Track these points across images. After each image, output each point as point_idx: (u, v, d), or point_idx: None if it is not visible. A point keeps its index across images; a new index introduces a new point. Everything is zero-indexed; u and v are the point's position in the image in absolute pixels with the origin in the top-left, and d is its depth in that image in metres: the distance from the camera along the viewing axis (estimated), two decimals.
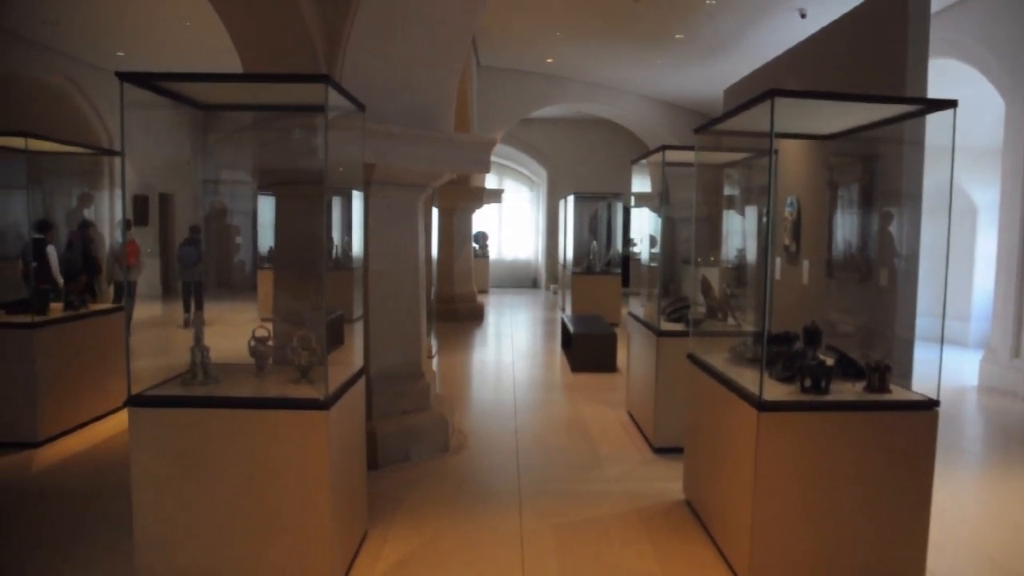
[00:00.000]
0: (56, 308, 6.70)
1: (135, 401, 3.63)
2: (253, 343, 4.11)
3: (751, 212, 7.57)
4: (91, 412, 6.75)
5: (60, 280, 8.93)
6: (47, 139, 6.42)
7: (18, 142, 6.29)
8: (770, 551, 3.78)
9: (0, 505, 4.91)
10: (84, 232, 9.80)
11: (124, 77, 3.61)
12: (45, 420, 6.10)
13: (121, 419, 6.87)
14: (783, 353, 4.29)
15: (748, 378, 4.14)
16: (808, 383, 3.93)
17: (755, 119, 4.11)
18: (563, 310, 15.47)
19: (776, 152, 3.91)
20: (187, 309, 12.69)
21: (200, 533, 3.61)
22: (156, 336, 11.55)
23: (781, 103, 3.72)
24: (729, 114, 4.33)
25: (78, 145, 7.34)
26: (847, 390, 4.00)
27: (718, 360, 4.71)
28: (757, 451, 3.72)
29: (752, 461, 3.75)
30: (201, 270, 12.42)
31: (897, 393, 3.96)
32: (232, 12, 5.53)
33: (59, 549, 4.25)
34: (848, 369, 4.21)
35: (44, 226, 8.45)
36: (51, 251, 8.50)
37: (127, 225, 12.32)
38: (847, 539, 3.79)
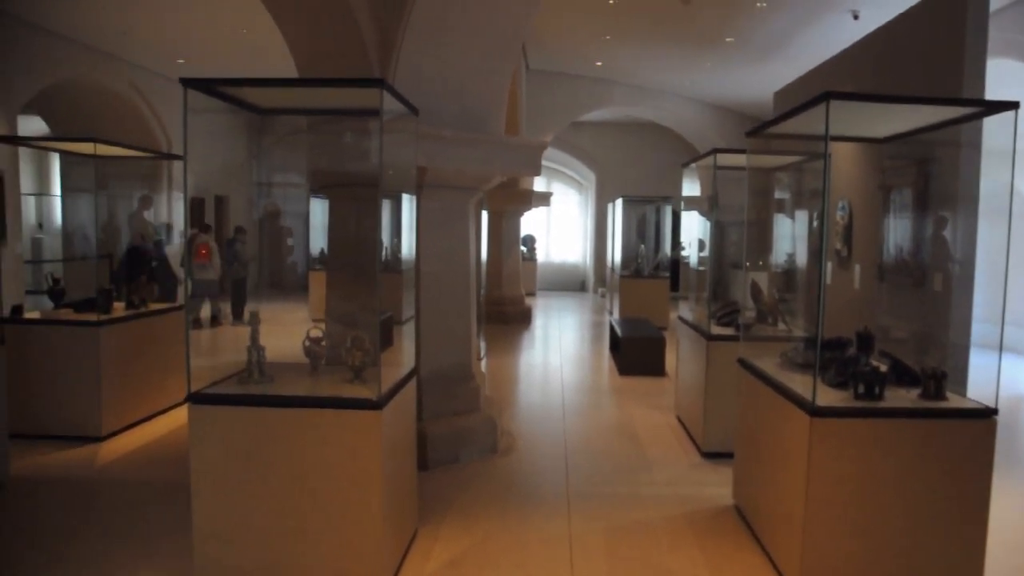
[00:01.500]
0: (118, 308, 6.91)
1: (195, 398, 3.72)
2: (307, 343, 4.19)
3: (801, 216, 7.48)
4: (150, 408, 6.95)
5: (180, 275, 9.40)
6: (115, 144, 6.63)
7: (88, 147, 6.52)
8: (822, 559, 3.74)
9: (67, 496, 5.10)
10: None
11: (188, 83, 3.72)
12: (108, 415, 6.30)
13: (178, 415, 7.06)
14: (836, 359, 4.24)
15: (800, 384, 4.10)
16: (862, 389, 3.87)
17: (808, 122, 4.07)
18: (611, 313, 15.42)
19: (829, 155, 3.87)
20: (232, 308, 13.00)
21: (255, 528, 3.69)
22: (212, 335, 11.82)
23: (836, 106, 3.68)
24: (782, 117, 4.30)
25: (142, 150, 7.56)
26: (902, 397, 3.93)
27: (769, 365, 4.67)
28: (809, 457, 3.68)
29: (804, 467, 3.71)
30: (240, 269, 12.65)
31: (953, 401, 3.88)
32: (288, 18, 5.65)
33: (121, 538, 4.39)
34: (902, 376, 4.14)
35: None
36: (168, 252, 8.89)
37: (204, 228, 12.64)
38: (902, 549, 3.73)
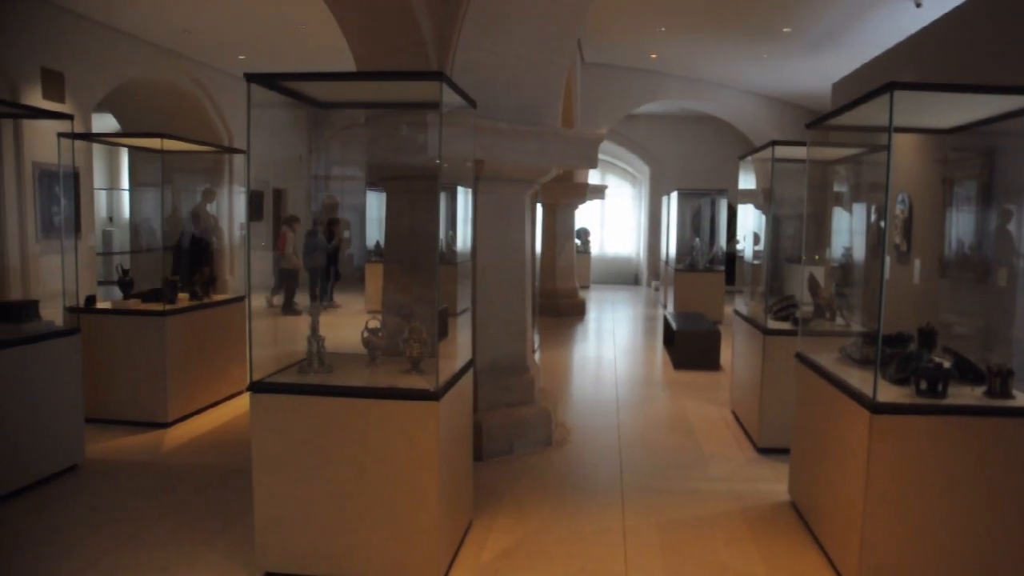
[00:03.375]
0: (183, 298, 7.12)
1: (256, 387, 3.81)
2: (366, 334, 4.26)
3: (859, 209, 7.34)
4: (213, 396, 7.14)
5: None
6: (180, 139, 6.82)
7: (155, 143, 6.72)
8: (881, 559, 3.68)
9: (137, 478, 5.28)
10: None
11: (251, 78, 3.80)
12: (174, 402, 6.50)
13: (239, 403, 7.24)
14: (897, 354, 4.15)
15: (859, 379, 4.03)
16: (924, 386, 3.80)
17: (870, 113, 3.99)
18: (665, 307, 15.31)
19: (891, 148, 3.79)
20: (312, 298, 13.19)
21: (314, 515, 3.77)
22: (271, 325, 12.04)
23: (900, 96, 3.60)
24: (844, 108, 4.22)
25: (206, 144, 7.76)
26: (966, 394, 3.84)
27: (827, 360, 4.60)
28: (870, 454, 3.63)
29: (864, 465, 3.65)
30: (319, 259, 12.83)
31: (1020, 399, 3.78)
32: (346, 13, 5.73)
33: (187, 521, 4.53)
34: (966, 373, 4.04)
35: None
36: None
37: (289, 221, 12.93)
38: (965, 549, 3.65)
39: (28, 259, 9.31)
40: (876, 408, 3.63)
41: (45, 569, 3.94)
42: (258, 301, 13.06)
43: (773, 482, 5.34)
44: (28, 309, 5.24)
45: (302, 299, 12.50)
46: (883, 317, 3.77)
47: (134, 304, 6.77)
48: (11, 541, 4.27)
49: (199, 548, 4.18)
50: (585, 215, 20.94)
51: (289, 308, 12.51)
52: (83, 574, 3.88)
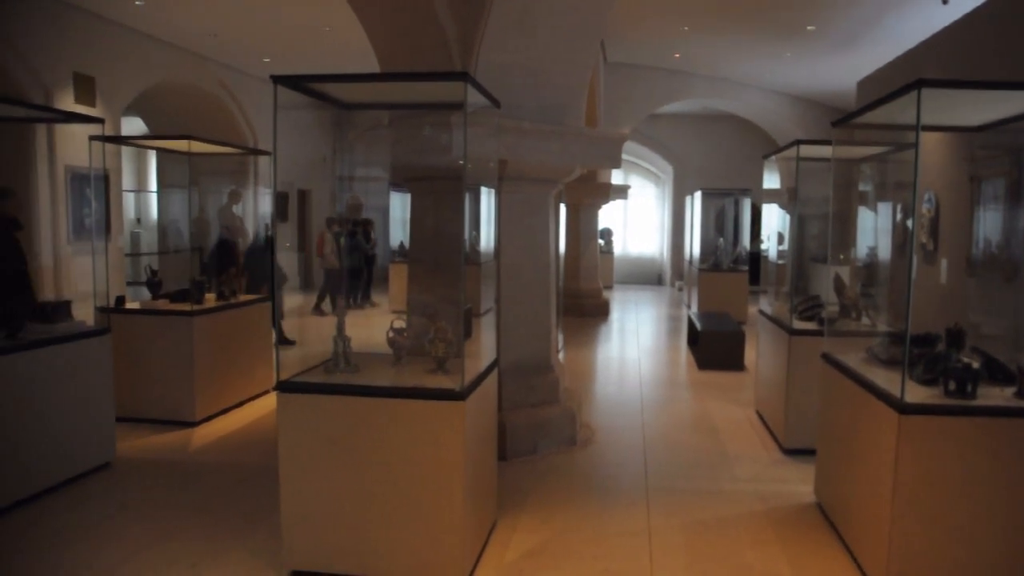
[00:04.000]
0: (210, 298, 7.20)
1: (283, 386, 3.84)
2: (391, 334, 4.29)
3: (884, 208, 7.27)
4: (239, 395, 7.22)
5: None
6: (207, 141, 6.90)
7: (183, 145, 6.80)
8: (909, 561, 3.64)
9: (166, 476, 5.36)
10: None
11: (278, 80, 3.84)
12: (201, 401, 6.57)
13: (265, 403, 7.31)
14: (924, 355, 4.11)
15: (886, 380, 3.99)
16: (953, 386, 3.76)
17: (896, 111, 3.95)
18: (689, 307, 15.25)
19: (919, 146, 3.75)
20: (352, 300, 13.26)
21: (341, 514, 3.80)
22: (298, 325, 12.13)
23: (928, 94, 3.56)
24: (870, 106, 4.18)
25: (233, 146, 7.85)
26: (995, 395, 3.79)
27: (853, 360, 4.57)
28: (897, 456, 3.59)
29: (892, 466, 3.62)
30: (359, 260, 12.89)
31: None
32: (371, 14, 5.77)
33: (215, 518, 4.59)
34: (996, 373, 3.99)
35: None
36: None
37: (329, 223, 13.04)
38: (994, 552, 3.60)
39: (60, 260, 9.47)
40: (904, 409, 3.59)
41: (79, 564, 4.00)
42: (294, 301, 13.19)
43: (799, 483, 5.31)
44: (61, 309, 5.33)
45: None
46: (910, 317, 3.74)
47: (162, 304, 6.85)
48: (46, 537, 4.35)
49: (228, 545, 4.23)
50: (608, 215, 20.88)
51: (319, 309, 12.57)
52: (116, 570, 3.94)
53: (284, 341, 8.68)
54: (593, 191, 14.89)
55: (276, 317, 7.99)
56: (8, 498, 4.65)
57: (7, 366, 4.67)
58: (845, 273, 6.52)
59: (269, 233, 10.48)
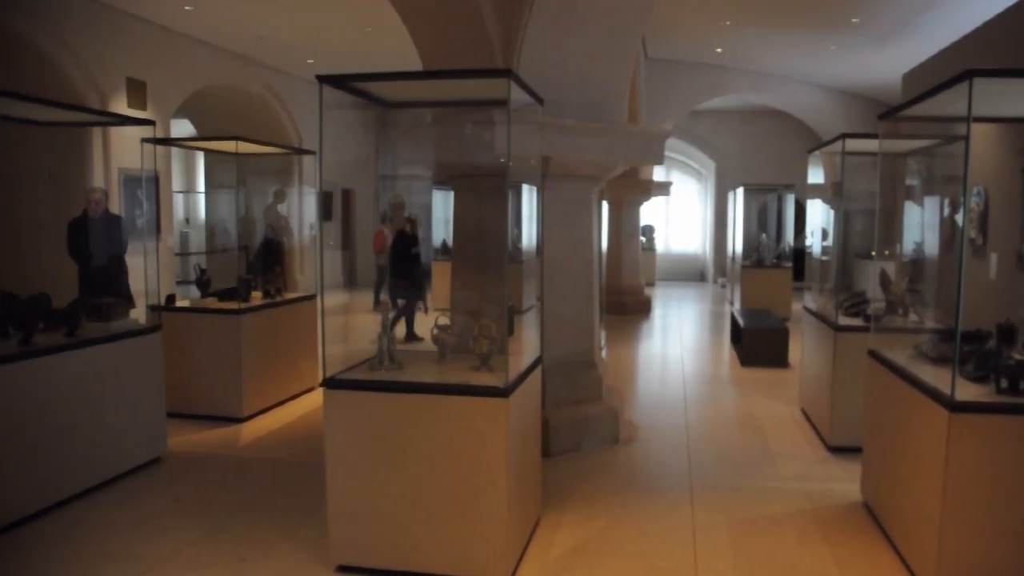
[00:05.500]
0: (256, 296, 7.32)
1: (329, 383, 3.89)
2: (436, 331, 4.32)
3: (931, 203, 7.12)
4: (285, 392, 7.33)
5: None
6: (254, 142, 7.01)
7: (230, 146, 6.93)
8: (960, 561, 3.57)
9: (215, 471, 5.47)
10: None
11: (324, 80, 3.89)
12: (248, 398, 6.69)
13: (310, 399, 7.42)
14: (975, 351, 4.02)
15: (935, 377, 3.91)
16: (1005, 384, 3.67)
17: (945, 103, 3.87)
18: (731, 304, 15.10)
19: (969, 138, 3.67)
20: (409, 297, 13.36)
21: (386, 510, 3.83)
22: (342, 323, 12.29)
23: (979, 84, 3.48)
24: (918, 98, 4.10)
25: (279, 146, 7.97)
26: None
27: (900, 357, 4.48)
28: (947, 454, 3.52)
29: (942, 464, 3.55)
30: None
31: None
32: (413, 13, 5.80)
33: (263, 513, 4.67)
34: None
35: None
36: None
37: (382, 219, 13.22)
38: None
39: None
40: (955, 407, 3.52)
41: (132, 556, 4.10)
42: (337, 299, 13.34)
43: (845, 482, 5.23)
44: (115, 308, 5.47)
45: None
46: (960, 313, 3.66)
47: (211, 303, 6.99)
48: (102, 530, 4.46)
49: (275, 539, 4.31)
50: (650, 212, 20.76)
51: (379, 304, 12.64)
52: (167, 561, 4.04)
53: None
54: (635, 188, 14.81)
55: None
56: (64, 492, 4.78)
57: (65, 363, 4.80)
58: (890, 269, 6.41)
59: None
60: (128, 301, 5.65)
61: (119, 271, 6.64)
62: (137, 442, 5.41)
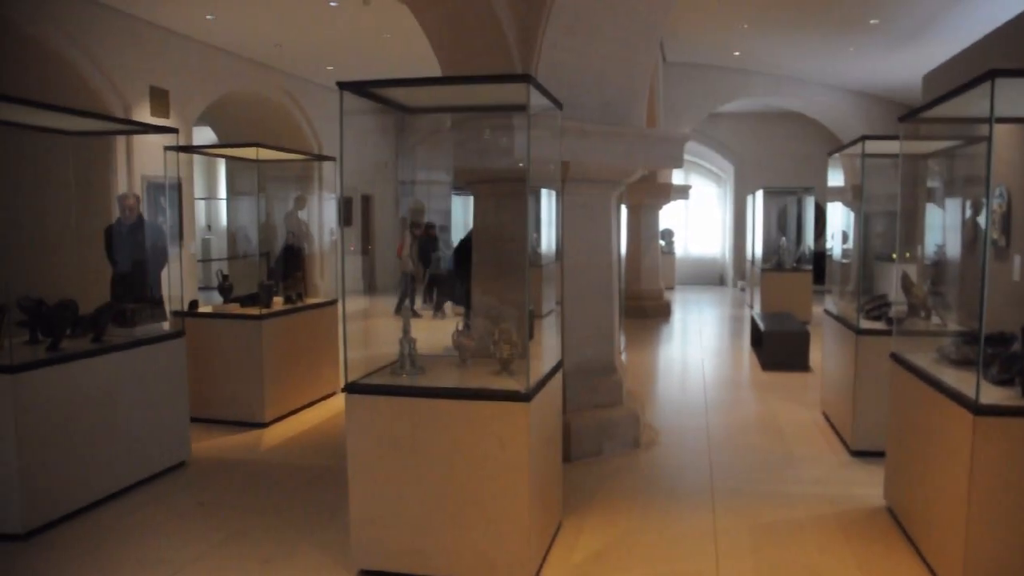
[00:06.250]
0: (278, 302, 7.37)
1: (351, 388, 3.91)
2: (457, 336, 4.34)
3: (953, 204, 7.05)
4: (307, 397, 7.37)
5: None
6: (275, 148, 7.08)
7: (251, 152, 7.00)
8: (986, 567, 3.53)
9: (238, 475, 5.51)
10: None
11: (344, 86, 3.91)
12: (270, 403, 6.74)
13: (331, 404, 7.46)
14: (999, 354, 3.99)
15: (958, 380, 3.88)
16: None
17: (967, 104, 3.84)
18: (751, 307, 15.03)
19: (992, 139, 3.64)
20: (426, 302, 13.43)
21: (408, 515, 3.84)
22: (363, 328, 12.34)
23: (1001, 84, 3.45)
24: (940, 99, 4.08)
25: (299, 153, 8.03)
26: None
27: (923, 361, 4.45)
28: (972, 458, 3.49)
29: (967, 469, 3.52)
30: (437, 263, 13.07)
31: None
32: (431, 19, 5.84)
33: (286, 517, 4.70)
34: None
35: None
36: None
37: (412, 227, 13.30)
38: None
39: None
40: (979, 410, 3.49)
41: (158, 559, 4.15)
42: (357, 304, 13.40)
43: (868, 486, 5.19)
44: (140, 313, 5.53)
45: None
46: (984, 315, 3.63)
47: (233, 308, 7.05)
48: (130, 533, 4.51)
49: (298, 543, 4.34)
50: (669, 216, 20.71)
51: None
52: (192, 565, 4.08)
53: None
54: (654, 191, 14.80)
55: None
56: (91, 495, 4.84)
57: (92, 368, 4.86)
58: (911, 271, 6.36)
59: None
60: (158, 305, 5.71)
61: (148, 275, 6.70)
62: (162, 446, 5.47)
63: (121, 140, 9.56)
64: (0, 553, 4.25)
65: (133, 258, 6.54)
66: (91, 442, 4.85)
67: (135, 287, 6.10)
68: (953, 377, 3.98)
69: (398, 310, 12.72)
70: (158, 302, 5.73)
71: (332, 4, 9.73)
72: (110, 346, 5.04)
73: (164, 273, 6.35)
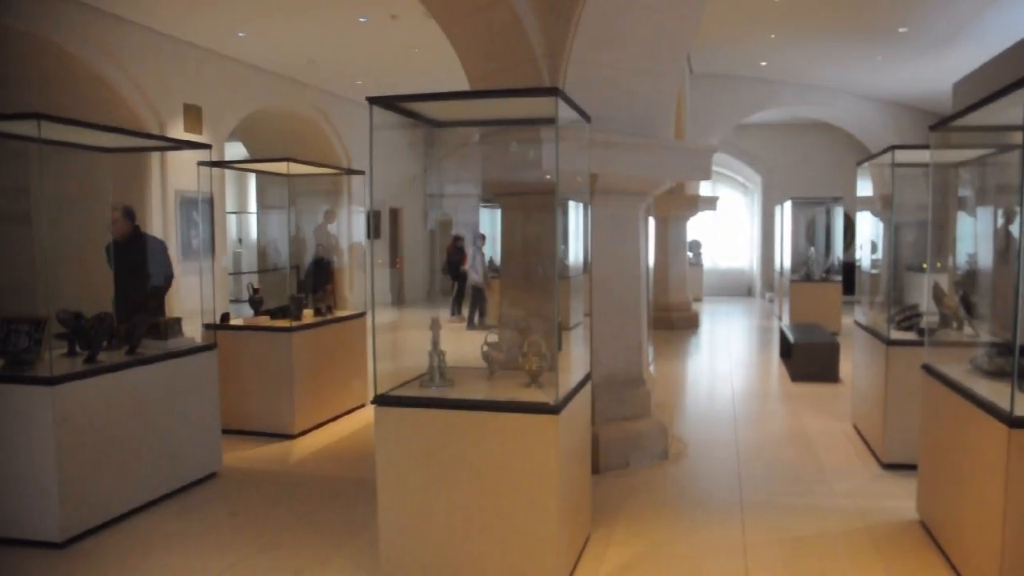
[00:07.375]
0: (308, 315, 7.45)
1: (380, 400, 3.94)
2: (486, 348, 4.36)
3: (984, 213, 6.97)
4: (336, 409, 7.41)
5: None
6: (305, 163, 7.17)
7: (281, 167, 7.10)
8: None
9: (269, 487, 5.56)
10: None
11: (374, 101, 3.96)
12: (299, 415, 6.79)
13: (360, 416, 7.50)
14: None
15: (992, 392, 3.83)
16: None
17: (997, 112, 3.81)
18: (780, 319, 14.91)
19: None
20: (455, 312, 13.50)
21: (436, 527, 3.86)
22: (392, 340, 12.42)
23: None
24: (972, 107, 4.04)
25: (329, 167, 8.14)
26: None
27: (956, 372, 4.40)
28: (1008, 471, 3.45)
29: (1002, 482, 3.48)
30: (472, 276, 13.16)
31: None
32: (459, 33, 5.90)
33: (316, 528, 4.74)
34: None
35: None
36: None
37: (455, 239, 13.47)
38: None
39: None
40: (1015, 423, 3.45)
41: (190, 569, 4.21)
42: (386, 317, 13.51)
43: (900, 499, 5.13)
44: (173, 326, 5.62)
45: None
46: (1019, 326, 3.59)
47: (263, 321, 7.13)
48: (164, 543, 4.58)
49: (329, 554, 4.37)
50: (697, 227, 20.64)
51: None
52: (225, 574, 4.13)
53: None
54: (682, 203, 14.77)
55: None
56: (125, 505, 4.92)
57: (127, 380, 4.95)
58: (943, 281, 6.29)
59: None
60: (155, 325, 5.63)
61: (141, 292, 6.63)
62: (195, 457, 5.54)
63: (156, 156, 9.75)
64: (39, 561, 4.33)
65: (128, 275, 6.53)
66: (126, 452, 4.93)
67: (130, 305, 6.05)
68: (986, 389, 3.94)
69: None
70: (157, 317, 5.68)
71: (361, 20, 9.87)
72: (145, 358, 5.13)
73: (195, 285, 6.40)
